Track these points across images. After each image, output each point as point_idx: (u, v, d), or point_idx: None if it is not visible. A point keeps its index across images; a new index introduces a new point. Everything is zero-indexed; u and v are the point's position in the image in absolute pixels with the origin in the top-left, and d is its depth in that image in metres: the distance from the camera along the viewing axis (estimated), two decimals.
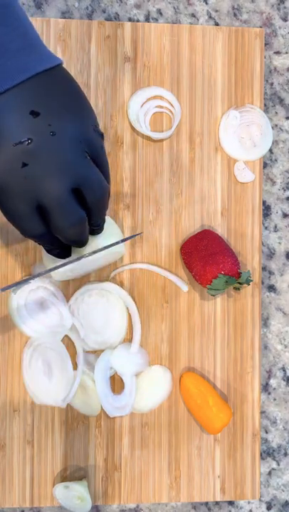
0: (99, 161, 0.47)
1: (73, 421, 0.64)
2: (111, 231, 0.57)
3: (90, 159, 0.46)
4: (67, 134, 0.44)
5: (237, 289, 0.63)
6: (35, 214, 0.44)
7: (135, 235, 0.63)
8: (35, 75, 0.44)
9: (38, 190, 0.43)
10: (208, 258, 0.61)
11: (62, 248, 0.51)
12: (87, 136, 0.45)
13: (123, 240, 0.58)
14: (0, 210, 0.45)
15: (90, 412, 0.64)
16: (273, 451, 0.69)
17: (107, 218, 0.57)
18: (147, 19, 0.68)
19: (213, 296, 0.64)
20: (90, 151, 0.46)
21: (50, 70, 0.45)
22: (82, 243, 0.48)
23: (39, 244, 0.49)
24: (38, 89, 0.44)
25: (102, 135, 0.47)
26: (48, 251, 0.51)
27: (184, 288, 0.65)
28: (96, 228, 0.52)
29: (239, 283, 0.62)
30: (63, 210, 0.44)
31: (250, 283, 0.65)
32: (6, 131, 0.43)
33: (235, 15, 0.69)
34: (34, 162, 0.43)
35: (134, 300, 0.65)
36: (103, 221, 0.53)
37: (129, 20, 0.68)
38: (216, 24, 0.69)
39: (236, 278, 0.61)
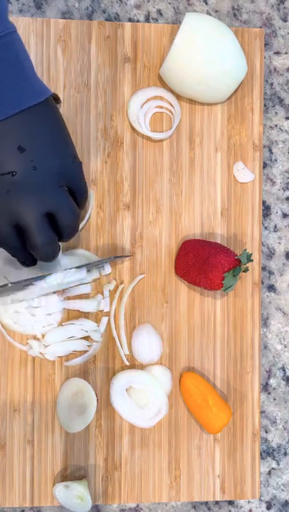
0: (76, 189, 0.53)
1: None
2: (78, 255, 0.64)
3: (65, 189, 0.52)
4: (46, 168, 0.50)
5: (245, 271, 0.63)
6: (13, 230, 0.51)
7: (121, 256, 0.64)
8: (26, 108, 0.49)
9: (17, 213, 0.50)
10: (205, 267, 0.61)
11: (33, 261, 0.57)
12: (66, 169, 0.52)
13: (108, 259, 0.64)
14: None
15: None
16: (273, 450, 0.69)
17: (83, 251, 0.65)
18: (147, 19, 0.68)
19: (231, 289, 0.63)
20: (67, 182, 0.52)
21: (40, 103, 0.50)
22: (51, 260, 0.55)
23: (14, 257, 0.55)
24: (27, 125, 0.49)
25: (80, 163, 0.54)
26: (22, 262, 0.56)
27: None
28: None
29: (243, 266, 0.62)
30: (36, 231, 0.51)
31: (256, 281, 0.64)
32: None
33: (235, 15, 0.69)
34: (16, 190, 0.49)
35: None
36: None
37: (129, 20, 0.68)
38: None
39: (239, 265, 0.61)
